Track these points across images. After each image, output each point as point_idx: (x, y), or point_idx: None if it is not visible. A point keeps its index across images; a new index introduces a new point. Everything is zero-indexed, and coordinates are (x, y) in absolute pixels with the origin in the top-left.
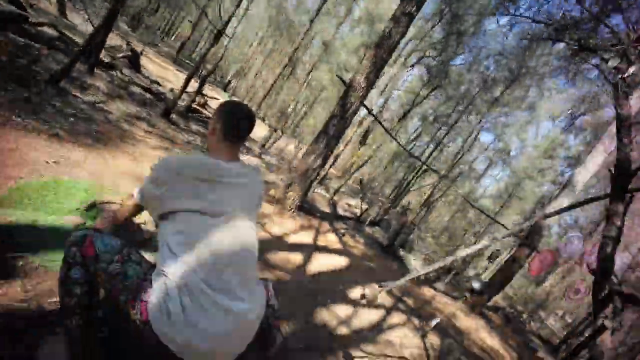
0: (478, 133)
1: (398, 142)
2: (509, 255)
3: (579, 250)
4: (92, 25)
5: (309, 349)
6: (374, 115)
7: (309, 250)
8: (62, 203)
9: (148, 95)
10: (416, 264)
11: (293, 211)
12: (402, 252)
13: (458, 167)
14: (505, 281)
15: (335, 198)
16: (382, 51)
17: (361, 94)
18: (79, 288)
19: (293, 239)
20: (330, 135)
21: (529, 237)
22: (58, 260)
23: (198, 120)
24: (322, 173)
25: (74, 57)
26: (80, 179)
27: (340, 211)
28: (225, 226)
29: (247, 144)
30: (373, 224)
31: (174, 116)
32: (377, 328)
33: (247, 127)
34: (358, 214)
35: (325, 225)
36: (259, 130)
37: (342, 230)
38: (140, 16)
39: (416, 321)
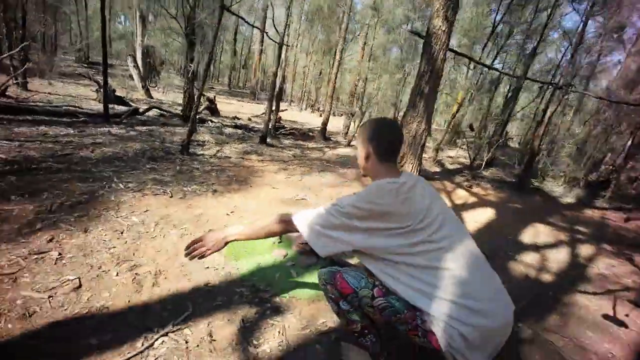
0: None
1: (497, 70)
2: None
3: None
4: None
5: None
6: (465, 56)
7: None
8: (261, 243)
9: (239, 131)
10: (560, 189)
11: None
12: (536, 184)
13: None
14: None
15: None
16: None
17: (444, 39)
18: (355, 315)
19: None
20: (427, 94)
21: None
22: (300, 290)
23: (285, 135)
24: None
25: (192, 126)
26: (253, 217)
27: (449, 166)
28: (450, 245)
29: (331, 137)
30: (488, 165)
31: (268, 140)
32: None
33: (400, 139)
34: (469, 162)
35: (447, 184)
36: (336, 122)
37: (466, 183)
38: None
39: None
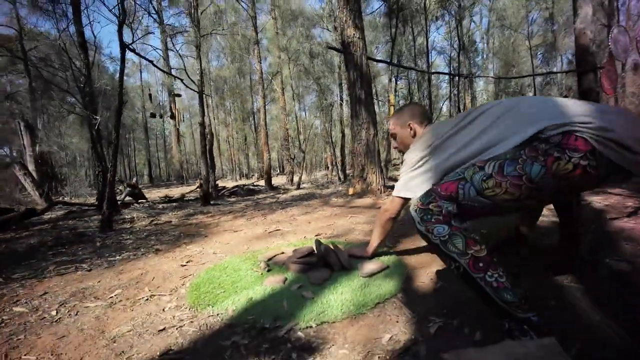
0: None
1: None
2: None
3: (627, 42)
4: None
5: None
6: (383, 61)
7: None
8: (241, 279)
9: (174, 204)
10: None
11: (385, 192)
12: None
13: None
14: None
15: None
16: None
17: (361, 45)
18: (472, 233)
19: None
20: (364, 99)
21: (581, 60)
22: (329, 311)
23: (227, 195)
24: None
25: (110, 193)
26: (220, 260)
27: None
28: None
29: (279, 187)
30: None
31: (212, 201)
32: None
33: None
34: None
35: None
36: (275, 180)
37: None
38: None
39: None
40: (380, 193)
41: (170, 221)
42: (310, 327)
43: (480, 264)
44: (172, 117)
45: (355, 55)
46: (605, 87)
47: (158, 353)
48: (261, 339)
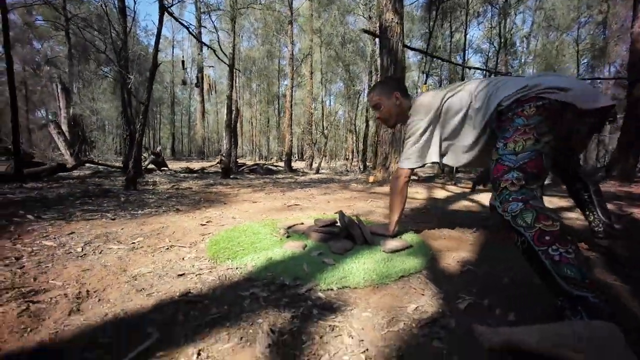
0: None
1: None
2: None
3: None
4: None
5: None
6: (420, 50)
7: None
8: (260, 241)
9: (194, 174)
10: None
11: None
12: None
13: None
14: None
15: None
16: None
17: (398, 30)
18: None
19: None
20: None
21: (634, 68)
22: (352, 277)
23: (247, 172)
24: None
25: (137, 154)
26: (239, 224)
27: (425, 168)
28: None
29: (298, 170)
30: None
31: (232, 175)
32: None
33: None
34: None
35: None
36: (295, 164)
37: (448, 182)
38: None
39: None
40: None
41: (191, 187)
42: (331, 289)
43: (547, 237)
44: (198, 85)
45: (392, 41)
46: None
47: (178, 294)
48: (280, 294)
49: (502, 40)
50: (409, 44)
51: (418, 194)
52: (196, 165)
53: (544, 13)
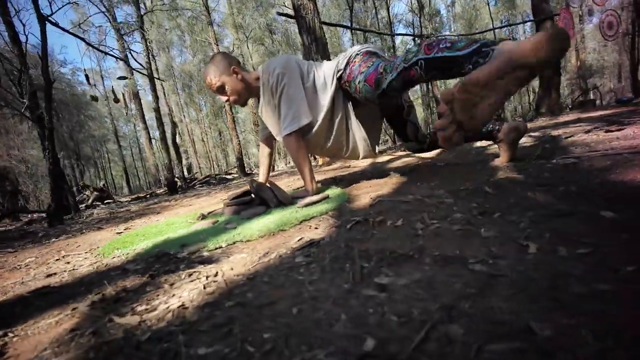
0: None
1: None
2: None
3: None
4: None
5: None
6: (340, 25)
7: None
8: (171, 226)
9: (142, 199)
10: None
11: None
12: None
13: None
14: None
15: None
16: None
17: (312, 7)
18: None
19: None
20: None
21: (537, 12)
22: (247, 231)
23: (200, 185)
24: None
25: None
26: (160, 222)
27: None
28: None
29: (253, 172)
30: None
31: (179, 191)
32: None
33: None
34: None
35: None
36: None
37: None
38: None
39: None
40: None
41: (129, 209)
42: (220, 247)
43: (431, 45)
44: (116, 100)
45: (307, 19)
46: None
47: (32, 289)
48: (157, 263)
49: (420, 4)
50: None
51: (361, 163)
52: (148, 192)
53: None
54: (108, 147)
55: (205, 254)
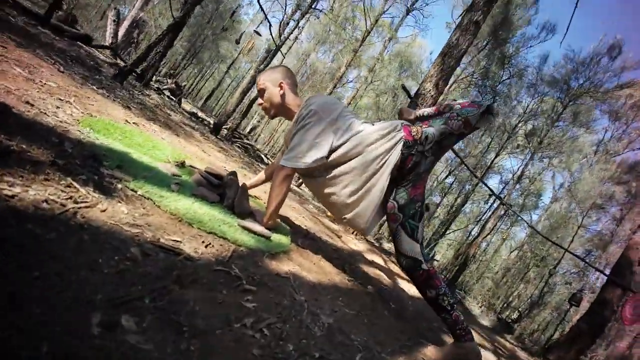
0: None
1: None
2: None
3: None
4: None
5: None
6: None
7: None
8: (151, 150)
9: (193, 119)
10: (478, 311)
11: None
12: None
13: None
14: (595, 330)
15: None
16: (450, 59)
17: (430, 103)
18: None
19: None
20: None
21: (619, 272)
22: (156, 193)
23: (240, 144)
24: None
25: (134, 62)
26: (161, 141)
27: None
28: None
29: None
30: None
31: (223, 133)
32: None
33: None
34: None
35: None
36: None
37: None
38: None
39: None
40: None
41: (172, 117)
42: (133, 191)
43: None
44: (237, 42)
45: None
46: (625, 315)
47: None
48: (83, 159)
49: (516, 178)
50: None
51: (359, 243)
52: (210, 119)
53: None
54: (219, 66)
55: (117, 185)
